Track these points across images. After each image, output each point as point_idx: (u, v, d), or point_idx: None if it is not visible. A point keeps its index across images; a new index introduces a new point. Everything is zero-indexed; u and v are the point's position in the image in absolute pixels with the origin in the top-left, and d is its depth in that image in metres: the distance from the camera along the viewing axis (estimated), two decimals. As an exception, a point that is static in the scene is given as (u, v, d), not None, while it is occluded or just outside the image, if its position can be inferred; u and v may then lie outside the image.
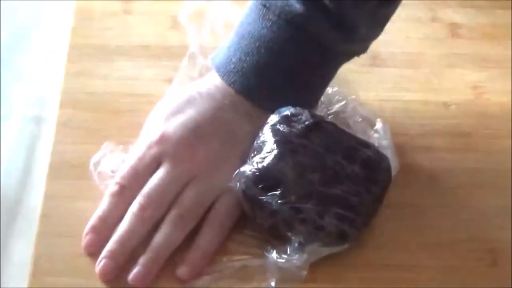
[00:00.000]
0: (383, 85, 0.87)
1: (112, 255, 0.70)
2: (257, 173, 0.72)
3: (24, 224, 0.77)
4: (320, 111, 0.81)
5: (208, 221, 0.72)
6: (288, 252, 0.71)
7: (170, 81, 0.84)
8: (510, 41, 0.91)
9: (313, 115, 0.76)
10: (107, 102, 0.83)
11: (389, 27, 0.80)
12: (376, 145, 0.77)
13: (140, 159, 0.73)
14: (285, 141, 0.74)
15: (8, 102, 0.83)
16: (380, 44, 0.82)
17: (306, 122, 0.75)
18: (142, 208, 0.70)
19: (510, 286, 0.73)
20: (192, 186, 0.72)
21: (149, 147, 0.73)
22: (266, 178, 0.72)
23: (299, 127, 0.75)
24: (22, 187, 0.80)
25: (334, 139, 0.75)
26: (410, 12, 0.94)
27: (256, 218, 0.73)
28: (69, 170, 0.79)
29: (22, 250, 0.75)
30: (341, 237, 0.72)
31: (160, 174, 0.72)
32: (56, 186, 0.78)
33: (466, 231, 0.77)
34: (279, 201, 0.71)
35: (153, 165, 0.73)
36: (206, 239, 0.72)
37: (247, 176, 0.73)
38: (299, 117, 0.75)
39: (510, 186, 0.79)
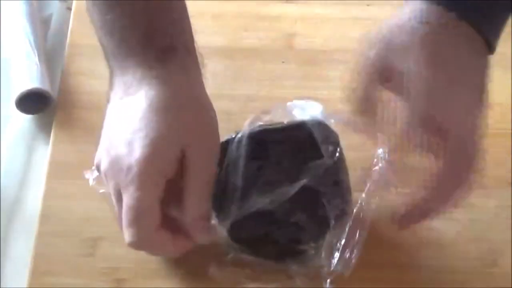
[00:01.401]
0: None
1: None
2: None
3: (24, 224, 0.77)
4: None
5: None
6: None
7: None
8: (510, 41, 0.91)
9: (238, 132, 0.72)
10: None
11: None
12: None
13: None
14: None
15: (8, 102, 0.83)
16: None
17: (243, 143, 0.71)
18: None
19: (510, 286, 0.73)
20: None
21: None
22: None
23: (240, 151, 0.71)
24: (22, 187, 0.80)
25: (264, 145, 0.72)
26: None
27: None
28: (68, 170, 0.79)
29: (22, 250, 0.75)
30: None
31: None
32: (56, 186, 0.78)
33: (466, 231, 0.77)
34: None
35: None
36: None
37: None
38: (236, 140, 0.71)
39: (510, 186, 0.79)
